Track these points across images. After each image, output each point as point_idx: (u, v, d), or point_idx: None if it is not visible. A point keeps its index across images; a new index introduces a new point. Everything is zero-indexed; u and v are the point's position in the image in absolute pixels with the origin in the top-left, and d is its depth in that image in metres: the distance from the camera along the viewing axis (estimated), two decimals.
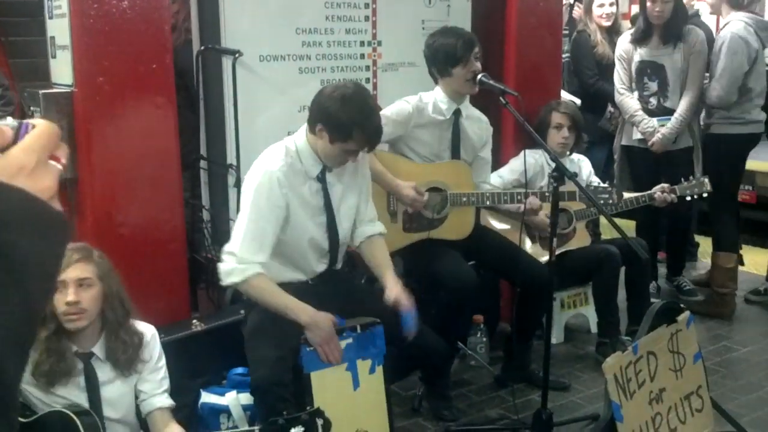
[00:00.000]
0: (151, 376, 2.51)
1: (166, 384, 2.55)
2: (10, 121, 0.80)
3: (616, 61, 4.55)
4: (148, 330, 2.53)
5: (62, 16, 3.00)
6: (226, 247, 2.72)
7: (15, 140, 0.78)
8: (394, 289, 2.82)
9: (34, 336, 0.78)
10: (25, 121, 0.81)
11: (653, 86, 4.42)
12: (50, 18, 3.13)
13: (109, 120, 2.96)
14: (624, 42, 4.52)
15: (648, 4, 4.30)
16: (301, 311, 2.65)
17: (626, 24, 5.82)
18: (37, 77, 3.60)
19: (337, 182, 2.85)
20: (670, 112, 4.38)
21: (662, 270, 5.00)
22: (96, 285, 2.36)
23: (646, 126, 4.39)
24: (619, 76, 4.51)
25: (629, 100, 4.45)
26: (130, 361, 2.44)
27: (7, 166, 0.75)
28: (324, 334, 2.65)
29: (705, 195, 3.92)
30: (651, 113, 4.40)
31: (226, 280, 2.70)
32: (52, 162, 0.80)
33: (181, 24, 3.40)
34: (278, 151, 2.76)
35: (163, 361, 2.56)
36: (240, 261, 2.65)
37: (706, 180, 3.87)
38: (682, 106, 4.36)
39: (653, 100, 4.43)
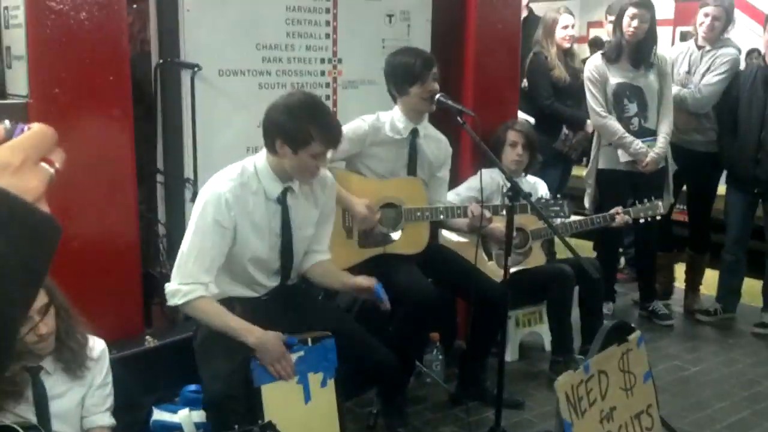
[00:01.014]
0: (98, 392, 2.47)
1: (110, 402, 2.51)
2: (6, 123, 0.79)
3: (588, 84, 4.56)
4: (98, 345, 2.49)
5: (18, 26, 2.96)
6: (174, 269, 2.69)
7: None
8: (359, 277, 2.89)
9: (8, 342, 0.74)
10: (20, 123, 0.79)
11: (633, 108, 4.50)
12: (6, 28, 3.09)
13: (65, 131, 2.87)
14: (595, 62, 4.58)
15: (625, 20, 4.40)
16: (248, 333, 2.62)
17: (583, 47, 5.93)
18: None
19: (297, 207, 2.83)
20: (651, 132, 4.49)
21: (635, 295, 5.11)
22: (51, 309, 2.34)
23: (638, 148, 4.45)
24: (596, 99, 4.52)
25: (613, 123, 4.49)
26: (81, 364, 2.40)
27: None
28: (273, 354, 2.63)
29: (658, 218, 4.00)
30: (634, 134, 4.47)
31: (171, 301, 2.67)
32: (44, 164, 0.78)
33: (137, 35, 3.38)
34: (233, 171, 2.74)
35: (110, 379, 2.51)
36: (183, 282, 2.63)
37: (660, 203, 3.95)
38: (666, 126, 4.49)
39: (635, 122, 4.51)
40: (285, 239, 2.83)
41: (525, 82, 5.00)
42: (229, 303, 2.72)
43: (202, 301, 2.64)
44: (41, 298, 2.29)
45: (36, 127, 0.79)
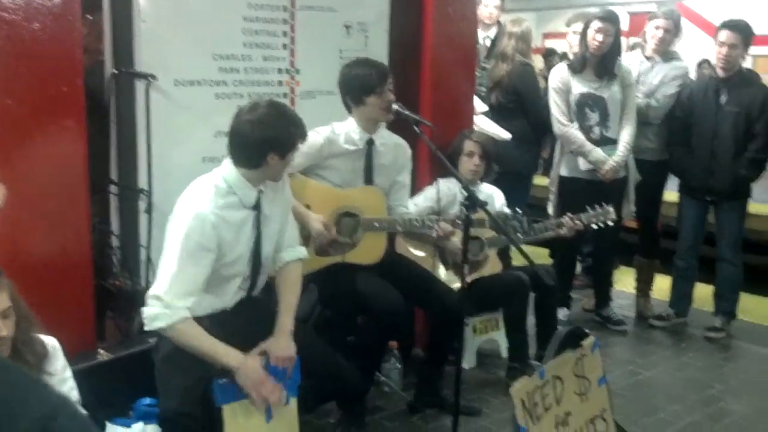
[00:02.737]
0: (59, 388, 2.43)
1: (75, 395, 2.46)
2: None
3: (553, 93, 4.63)
4: (49, 341, 2.44)
5: None
6: (152, 291, 2.65)
7: None
8: (279, 340, 2.74)
9: None
10: None
11: (595, 117, 4.59)
12: None
13: (17, 143, 2.88)
14: (560, 73, 4.65)
15: (590, 33, 4.48)
16: (231, 357, 2.61)
17: (536, 58, 6.02)
18: None
19: (267, 206, 2.84)
20: (612, 141, 4.57)
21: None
22: (11, 313, 2.29)
23: (597, 156, 4.52)
24: (559, 108, 4.60)
25: (575, 132, 4.57)
26: (39, 373, 2.35)
27: None
28: (255, 378, 2.61)
29: (610, 224, 4.07)
30: (594, 143, 4.55)
31: (151, 324, 2.63)
32: None
33: (92, 45, 3.34)
34: (207, 190, 2.71)
35: (69, 372, 2.47)
36: (166, 306, 2.60)
37: (611, 209, 4.02)
38: (627, 135, 4.58)
39: (596, 131, 4.58)
40: (257, 241, 2.83)
41: (494, 97, 4.95)
42: (198, 319, 2.68)
43: (186, 324, 2.61)
44: (4, 301, 2.25)
45: None
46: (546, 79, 6.36)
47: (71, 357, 2.70)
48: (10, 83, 2.84)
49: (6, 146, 2.86)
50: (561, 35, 5.81)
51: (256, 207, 2.80)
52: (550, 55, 10.57)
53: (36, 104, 2.90)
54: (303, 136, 2.80)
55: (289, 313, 2.84)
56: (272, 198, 2.87)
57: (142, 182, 3.26)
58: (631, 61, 4.94)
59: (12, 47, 2.83)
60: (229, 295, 2.84)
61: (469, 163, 3.94)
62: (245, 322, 2.81)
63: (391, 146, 3.53)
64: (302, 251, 3.04)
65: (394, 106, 3.29)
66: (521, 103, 4.96)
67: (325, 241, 3.32)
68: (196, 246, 2.63)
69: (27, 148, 2.90)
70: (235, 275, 2.82)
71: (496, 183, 4.18)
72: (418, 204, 3.86)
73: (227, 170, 2.77)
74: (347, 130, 3.41)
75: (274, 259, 2.96)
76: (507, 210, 3.97)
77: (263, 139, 2.68)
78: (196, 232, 2.63)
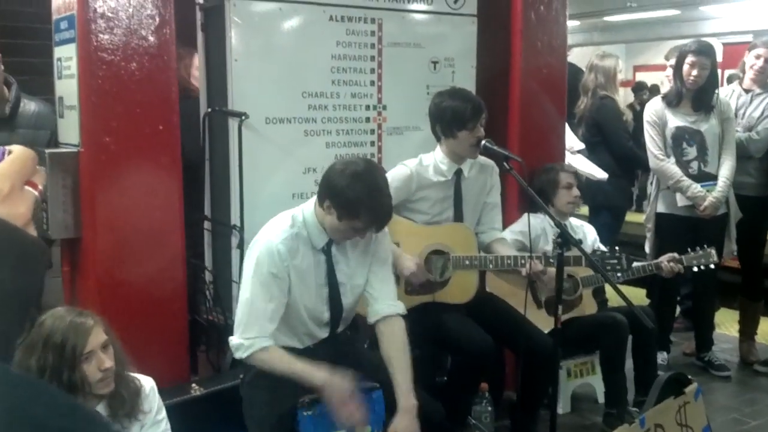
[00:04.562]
0: (153, 429, 2.45)
1: None
2: None
3: (648, 127, 4.50)
4: (146, 382, 2.48)
5: (71, 77, 3.03)
6: (236, 321, 2.68)
7: None
8: (403, 420, 2.61)
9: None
10: (1, 147, 0.81)
11: (692, 152, 4.41)
12: (59, 78, 3.17)
13: (114, 180, 2.97)
14: (655, 106, 4.52)
15: (685, 68, 4.35)
16: (317, 373, 2.57)
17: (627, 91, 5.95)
18: None
19: (342, 256, 2.79)
20: (711, 177, 4.39)
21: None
22: (110, 345, 2.34)
23: (696, 191, 4.35)
24: (654, 142, 4.46)
25: (671, 167, 4.41)
26: (129, 414, 2.37)
27: None
28: (341, 393, 2.53)
29: (712, 266, 3.87)
30: (693, 178, 4.38)
31: (235, 354, 2.67)
32: (28, 188, 0.80)
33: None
34: (283, 221, 2.72)
35: (164, 413, 2.49)
36: (245, 337, 2.62)
37: (713, 251, 3.82)
38: (727, 170, 4.39)
39: (694, 165, 4.42)
40: (332, 289, 2.79)
41: (580, 133, 4.94)
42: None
43: (264, 352, 2.61)
44: (100, 335, 2.30)
45: (17, 150, 0.81)
46: (636, 113, 6.24)
47: (165, 391, 2.73)
48: (108, 122, 2.94)
49: (103, 183, 2.95)
50: (651, 68, 5.67)
51: (326, 252, 2.74)
52: (639, 89, 10.35)
53: (133, 142, 2.99)
54: (369, 220, 2.59)
55: (407, 388, 2.66)
56: (350, 250, 2.80)
57: (234, 218, 3.30)
58: (727, 94, 4.75)
59: (110, 87, 2.94)
60: (305, 336, 2.81)
61: (568, 196, 3.84)
62: (327, 358, 2.75)
63: (480, 170, 3.46)
64: (400, 307, 2.88)
65: (483, 142, 3.23)
66: (603, 137, 4.95)
67: (418, 281, 3.26)
68: (268, 275, 2.63)
69: (124, 185, 2.98)
70: (308, 319, 2.78)
71: (589, 219, 4.08)
72: (506, 238, 3.77)
73: (309, 206, 2.75)
74: (435, 161, 3.38)
75: (368, 311, 2.87)
76: (602, 247, 3.84)
77: (332, 184, 2.58)
78: (266, 261, 2.63)
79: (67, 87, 3.07)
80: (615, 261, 3.24)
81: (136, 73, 2.98)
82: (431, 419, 2.91)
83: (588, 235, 3.98)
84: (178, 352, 3.17)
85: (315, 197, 2.75)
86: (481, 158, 3.47)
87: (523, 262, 3.34)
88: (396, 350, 2.76)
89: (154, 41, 3.02)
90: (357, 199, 2.55)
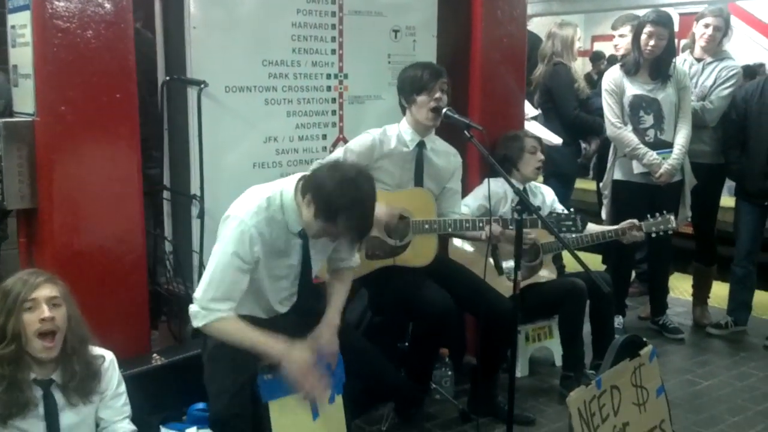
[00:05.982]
0: (112, 402, 2.46)
1: (127, 410, 2.50)
2: None
3: (606, 95, 4.55)
4: (106, 355, 2.48)
5: (25, 45, 2.96)
6: (195, 292, 2.67)
7: None
8: (324, 333, 2.72)
9: None
10: None
11: (649, 120, 4.48)
12: (13, 47, 3.09)
13: (71, 149, 2.92)
14: (613, 75, 4.56)
15: (643, 38, 4.39)
16: (276, 345, 2.57)
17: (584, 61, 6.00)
18: None
19: (315, 240, 2.77)
20: (667, 144, 4.46)
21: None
22: (62, 305, 2.33)
23: (652, 159, 4.42)
24: (612, 110, 4.51)
25: (628, 134, 4.46)
26: (83, 391, 2.38)
27: None
28: (301, 365, 2.55)
29: (670, 232, 3.96)
30: (649, 146, 4.44)
31: (193, 322, 2.66)
32: None
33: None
34: (257, 200, 2.66)
35: (123, 387, 2.50)
36: (204, 307, 2.61)
37: (672, 217, 3.91)
38: (682, 138, 4.46)
39: (651, 133, 4.48)
40: (304, 270, 2.79)
41: (535, 100, 4.99)
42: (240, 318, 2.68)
43: (222, 322, 2.60)
44: (49, 290, 2.31)
45: None
46: (593, 82, 6.31)
47: (126, 360, 2.74)
48: (64, 91, 2.89)
49: (60, 153, 2.90)
50: (609, 38, 5.70)
51: (302, 236, 2.72)
52: (597, 59, 10.45)
53: (90, 111, 2.94)
54: (345, 229, 2.55)
55: (336, 310, 2.83)
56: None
57: (194, 188, 3.28)
58: (680, 63, 4.82)
59: (66, 55, 2.88)
60: (270, 307, 2.82)
61: (533, 160, 3.88)
62: (288, 324, 2.78)
63: (442, 153, 3.51)
64: (355, 260, 3.00)
65: (445, 110, 3.25)
66: (554, 104, 5.03)
67: (393, 221, 3.28)
68: (233, 256, 2.60)
69: (81, 154, 2.94)
70: (276, 292, 2.80)
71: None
72: (469, 205, 3.80)
73: (289, 190, 2.68)
74: (399, 131, 3.41)
75: (327, 269, 2.93)
76: (559, 207, 3.90)
77: (319, 182, 2.55)
78: (236, 242, 2.60)
79: (22, 55, 3.00)
80: (570, 222, 3.32)
81: (92, 41, 2.93)
82: (394, 384, 2.97)
83: (546, 195, 4.04)
84: (138, 322, 3.15)
85: (295, 179, 2.70)
86: (446, 145, 3.53)
87: (481, 225, 3.39)
88: (338, 281, 2.93)
89: (111, 8, 2.95)
90: (338, 204, 2.49)
